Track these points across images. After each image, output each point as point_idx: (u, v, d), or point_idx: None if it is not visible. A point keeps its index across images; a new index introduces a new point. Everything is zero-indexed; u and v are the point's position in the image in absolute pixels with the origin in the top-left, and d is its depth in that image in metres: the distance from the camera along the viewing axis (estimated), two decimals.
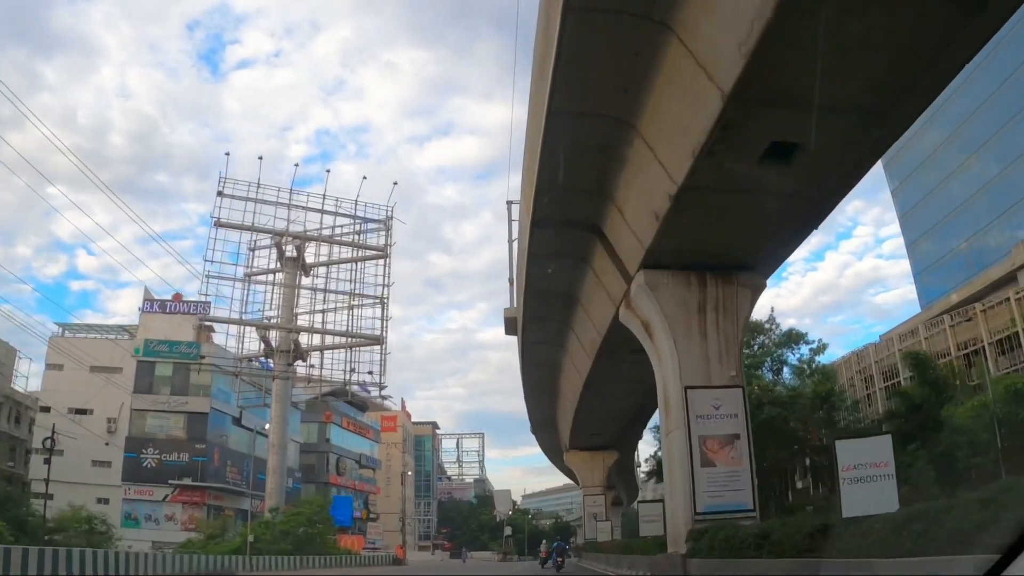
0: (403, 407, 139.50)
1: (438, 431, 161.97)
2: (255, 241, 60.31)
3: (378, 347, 55.61)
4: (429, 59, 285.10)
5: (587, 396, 41.90)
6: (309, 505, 51.36)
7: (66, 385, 72.12)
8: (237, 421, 72.19)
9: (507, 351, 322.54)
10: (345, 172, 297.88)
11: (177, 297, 72.98)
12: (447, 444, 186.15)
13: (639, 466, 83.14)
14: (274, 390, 55.14)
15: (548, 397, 51.37)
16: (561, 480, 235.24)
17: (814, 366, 56.17)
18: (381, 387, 53.99)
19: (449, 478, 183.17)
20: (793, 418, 50.54)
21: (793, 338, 57.47)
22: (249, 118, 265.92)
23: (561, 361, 41.93)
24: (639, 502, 44.03)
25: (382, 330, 55.38)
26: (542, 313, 35.02)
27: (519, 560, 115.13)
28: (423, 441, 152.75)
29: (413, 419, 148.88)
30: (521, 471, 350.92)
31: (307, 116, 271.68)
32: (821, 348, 57.33)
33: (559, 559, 49.05)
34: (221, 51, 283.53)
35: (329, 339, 57.70)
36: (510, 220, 45.60)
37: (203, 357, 60.04)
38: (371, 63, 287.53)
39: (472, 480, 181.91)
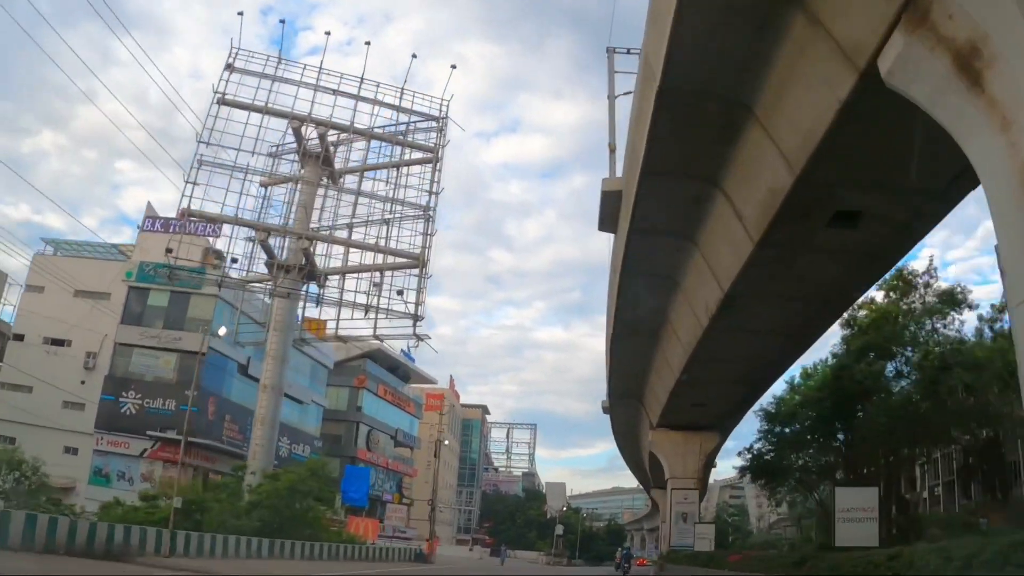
0: (451, 385, 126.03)
1: (488, 416, 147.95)
2: (278, 147, 47.27)
3: (417, 271, 41.40)
4: (499, 53, 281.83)
5: (719, 326, 27.31)
6: (295, 471, 37.45)
7: (46, 310, 59.55)
8: (244, 369, 59.09)
9: (563, 352, 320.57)
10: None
11: (183, 214, 58.93)
12: (496, 434, 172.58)
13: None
14: (272, 314, 41.58)
15: (645, 343, 36.99)
16: (609, 483, 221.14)
17: (997, 329, 41.82)
18: (416, 319, 39.57)
19: (496, 469, 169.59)
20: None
21: (953, 300, 43.02)
22: (318, 104, 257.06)
23: (683, 270, 27.36)
24: (835, 487, 29.32)
25: (424, 247, 41.28)
26: (677, 157, 20.52)
27: (569, 564, 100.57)
28: (471, 426, 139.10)
29: (462, 402, 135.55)
30: (569, 472, 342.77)
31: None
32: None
33: (626, 565, 60.66)
34: (294, 37, 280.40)
35: (354, 260, 43.73)
36: (611, 71, 31.51)
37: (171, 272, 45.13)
38: (442, 56, 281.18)
39: (521, 473, 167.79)
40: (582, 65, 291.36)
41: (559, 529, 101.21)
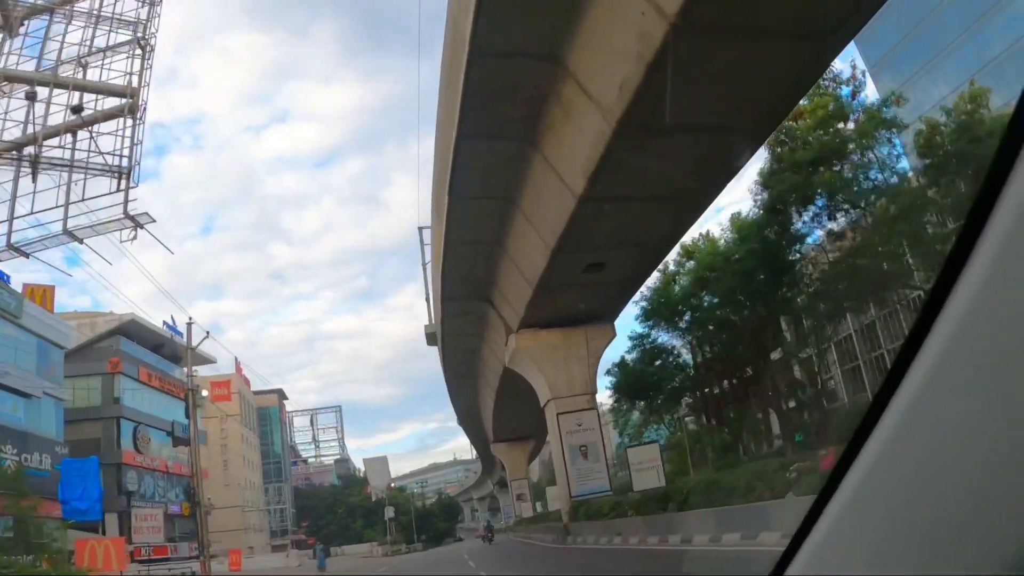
0: (238, 369, 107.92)
1: (286, 402, 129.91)
2: None
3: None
4: (266, 43, 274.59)
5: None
6: None
7: None
8: None
9: (357, 340, 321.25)
10: (181, 166, 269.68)
11: None
12: (299, 423, 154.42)
13: None
14: None
15: (512, 152, 22.72)
16: (427, 461, 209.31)
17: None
18: (123, 177, 23.31)
19: (305, 461, 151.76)
20: None
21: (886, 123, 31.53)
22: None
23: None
24: None
25: (133, 74, 25.05)
26: None
27: (408, 551, 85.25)
28: (268, 414, 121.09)
29: (255, 389, 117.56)
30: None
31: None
32: None
33: (490, 535, 65.26)
34: None
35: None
36: None
37: None
38: (206, 50, 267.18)
39: (333, 461, 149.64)
40: (350, 48, 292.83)
41: (390, 512, 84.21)
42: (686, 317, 43.43)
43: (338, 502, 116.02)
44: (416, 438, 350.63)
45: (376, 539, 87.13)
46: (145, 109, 25.02)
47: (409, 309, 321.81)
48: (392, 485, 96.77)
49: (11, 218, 25.54)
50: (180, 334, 76.55)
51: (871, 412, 1.46)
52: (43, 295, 53.18)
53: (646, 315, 43.81)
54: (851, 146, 31.61)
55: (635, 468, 30.18)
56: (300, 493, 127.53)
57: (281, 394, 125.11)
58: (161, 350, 74.17)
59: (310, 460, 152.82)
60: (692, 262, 43.69)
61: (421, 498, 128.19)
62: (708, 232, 44.91)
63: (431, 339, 47.61)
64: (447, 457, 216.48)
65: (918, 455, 1.39)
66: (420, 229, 54.56)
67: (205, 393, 69.77)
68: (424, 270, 53.15)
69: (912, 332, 1.36)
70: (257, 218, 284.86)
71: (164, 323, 73.81)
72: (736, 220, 39.75)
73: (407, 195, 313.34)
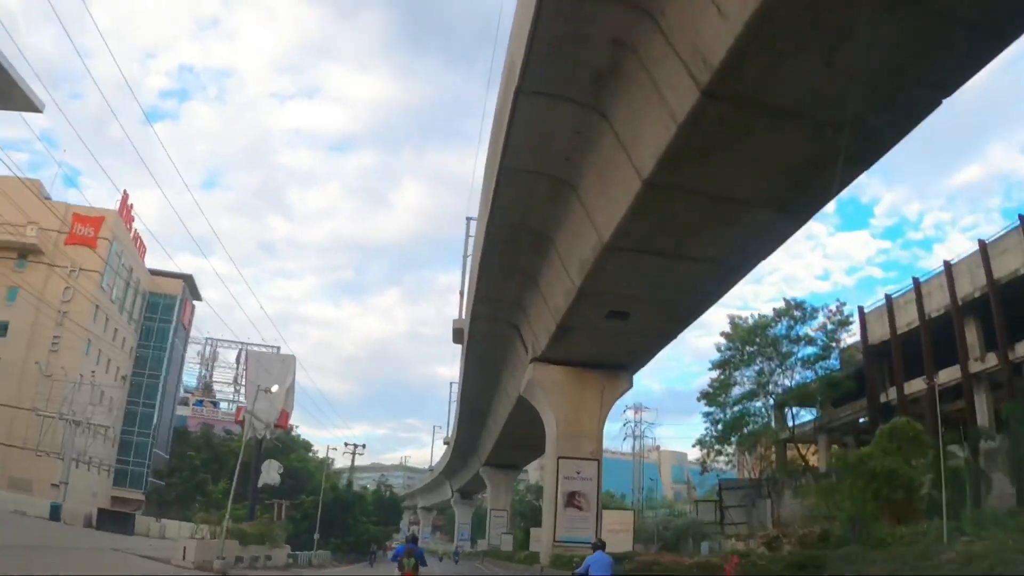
0: (124, 207, 68.04)
1: (195, 303, 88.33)
2: None
3: None
4: (311, 15, 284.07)
5: None
6: None
7: None
8: None
9: (330, 329, 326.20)
10: (201, 114, 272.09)
11: None
12: (225, 357, 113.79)
13: None
14: None
15: None
16: (368, 460, 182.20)
17: None
18: None
19: (215, 403, 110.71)
20: None
21: None
22: (113, 36, 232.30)
23: None
24: None
25: None
26: None
27: (292, 560, 41.47)
28: (161, 305, 79.93)
29: (151, 264, 77.48)
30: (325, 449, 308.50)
31: (173, 47, 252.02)
32: None
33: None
34: None
35: None
36: None
37: None
38: (251, 5, 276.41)
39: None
40: (391, 42, 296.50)
41: (271, 471, 36.66)
42: None
43: (201, 446, 75.71)
44: (365, 438, 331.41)
45: (207, 521, 38.33)
46: None
47: (387, 312, 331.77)
48: (289, 416, 48.29)
49: None
50: None
51: None
52: None
53: None
54: None
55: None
56: (184, 437, 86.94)
57: (191, 284, 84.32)
58: None
59: (223, 405, 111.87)
60: None
61: (349, 478, 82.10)
62: None
63: (457, 336, 46.53)
64: (392, 461, 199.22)
65: None
66: (468, 219, 56.21)
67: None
68: (464, 262, 54.16)
69: None
70: (261, 185, 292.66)
71: None
72: None
73: (412, 202, 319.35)
